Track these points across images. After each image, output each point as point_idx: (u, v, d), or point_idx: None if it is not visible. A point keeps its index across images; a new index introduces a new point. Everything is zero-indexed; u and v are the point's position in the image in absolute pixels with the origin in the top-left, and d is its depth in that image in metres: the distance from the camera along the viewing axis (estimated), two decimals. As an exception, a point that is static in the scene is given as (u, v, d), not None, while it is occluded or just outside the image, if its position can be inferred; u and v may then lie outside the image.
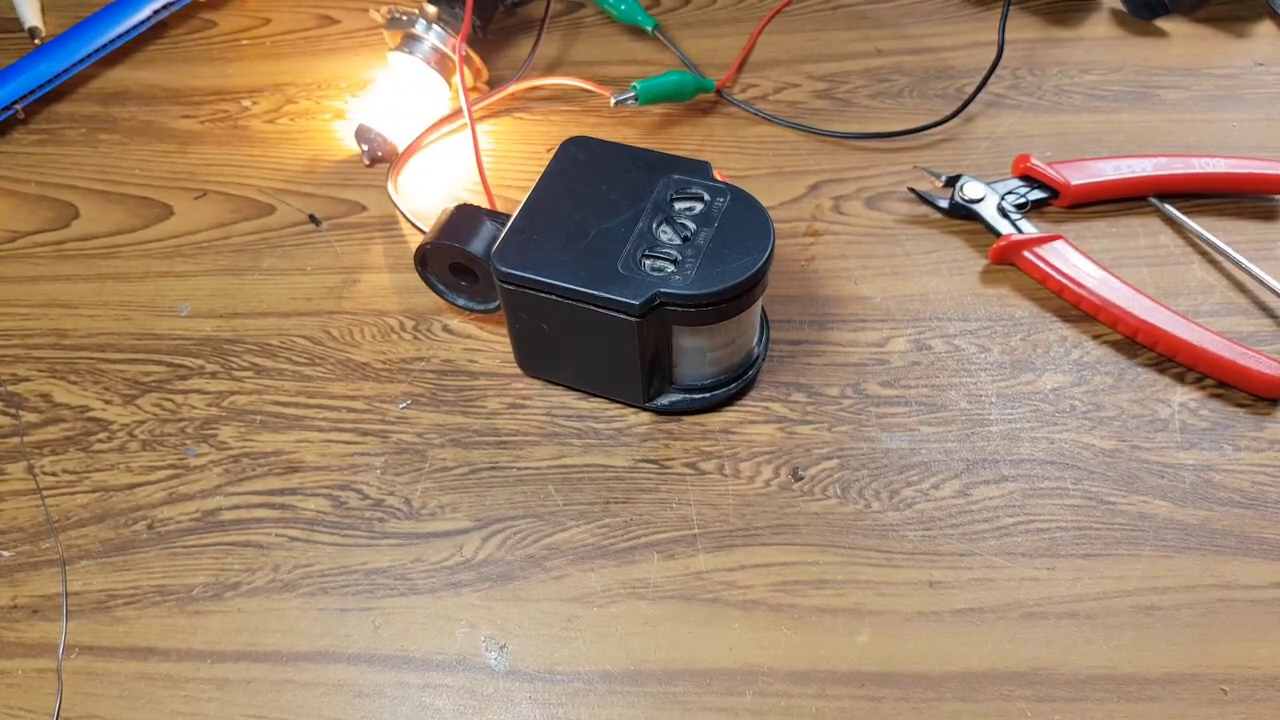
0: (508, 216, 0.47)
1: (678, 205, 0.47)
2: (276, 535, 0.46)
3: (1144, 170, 0.56)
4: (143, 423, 0.50)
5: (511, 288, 0.45)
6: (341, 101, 0.64)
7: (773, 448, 0.48)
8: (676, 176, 0.48)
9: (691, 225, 0.46)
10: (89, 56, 0.65)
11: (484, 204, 0.53)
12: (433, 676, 0.42)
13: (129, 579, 0.45)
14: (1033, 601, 0.43)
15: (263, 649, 0.43)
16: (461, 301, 0.52)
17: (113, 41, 0.65)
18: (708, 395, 0.49)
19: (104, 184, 0.61)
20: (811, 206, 0.57)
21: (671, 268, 0.44)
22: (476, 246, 0.48)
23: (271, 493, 0.48)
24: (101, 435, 0.50)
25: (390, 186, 0.57)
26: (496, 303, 0.50)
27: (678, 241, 0.45)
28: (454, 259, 0.49)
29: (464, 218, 0.49)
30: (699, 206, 0.47)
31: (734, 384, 0.49)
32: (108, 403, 0.51)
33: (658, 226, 0.46)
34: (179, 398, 0.51)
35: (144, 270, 0.56)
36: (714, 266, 0.44)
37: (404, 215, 0.56)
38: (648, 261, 0.45)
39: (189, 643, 0.43)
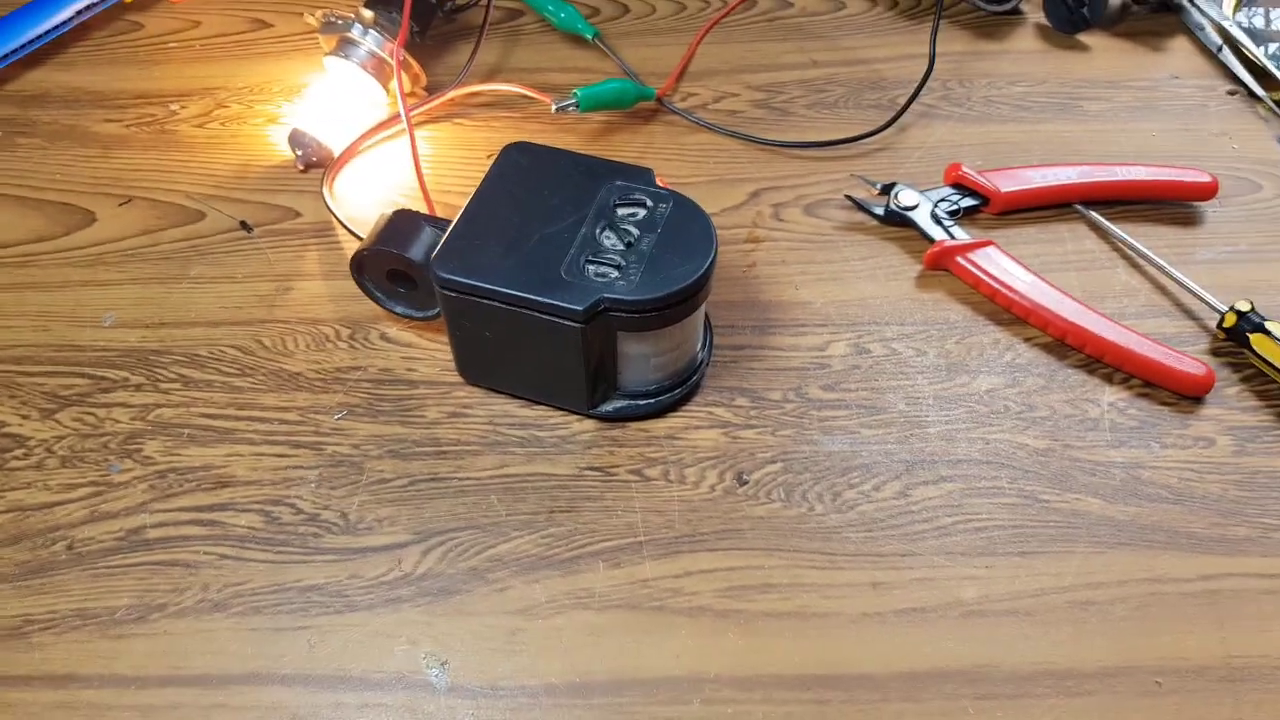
0: (448, 222, 0.47)
1: (621, 211, 0.47)
2: (205, 553, 0.45)
3: (1069, 178, 0.58)
4: (62, 438, 0.48)
5: (452, 294, 0.45)
6: (275, 106, 0.63)
7: (717, 452, 0.48)
8: (619, 182, 0.48)
9: (635, 231, 0.46)
10: (6, 57, 0.62)
11: (423, 210, 0.52)
12: (371, 696, 0.41)
13: (46, 603, 0.43)
14: (973, 600, 0.44)
15: (191, 673, 0.41)
16: (400, 309, 0.51)
17: (32, 42, 0.63)
18: (652, 401, 0.49)
19: (22, 189, 0.59)
20: (752, 214, 0.58)
21: (615, 273, 0.44)
22: (415, 252, 0.47)
23: (200, 509, 0.46)
24: (18, 452, 0.48)
25: (326, 192, 0.56)
26: (436, 310, 0.49)
27: (621, 247, 0.45)
28: (392, 265, 0.48)
29: (402, 223, 0.48)
30: (642, 212, 0.47)
31: (678, 389, 0.49)
32: (25, 417, 0.49)
33: (601, 232, 0.46)
34: (101, 411, 0.49)
35: (64, 279, 0.54)
36: (658, 272, 0.44)
37: (340, 221, 0.55)
38: (591, 267, 0.44)
39: (111, 668, 0.42)
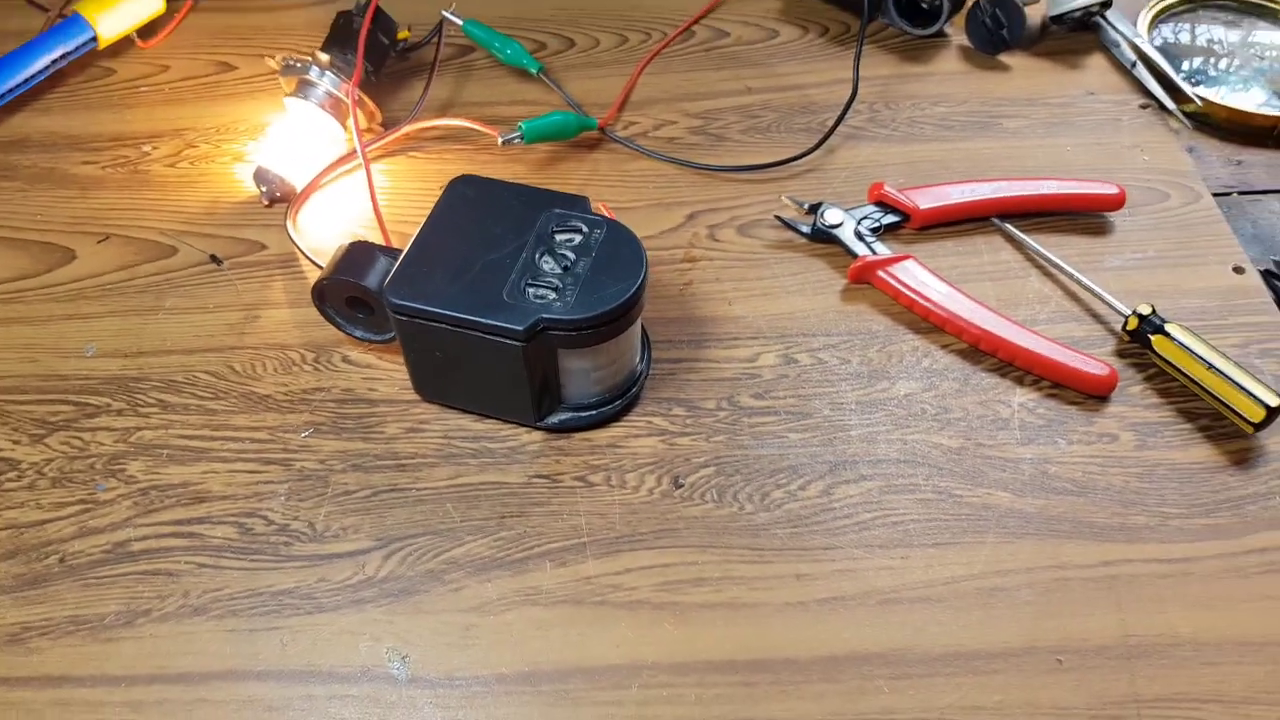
0: (400, 251, 0.51)
1: (558, 237, 0.51)
2: (186, 562, 0.49)
3: (986, 193, 0.62)
4: (51, 460, 0.52)
5: (404, 318, 0.49)
6: (240, 145, 0.67)
7: (655, 459, 0.52)
8: (557, 210, 0.52)
9: (571, 255, 0.50)
10: (-13, 106, 0.66)
11: (379, 240, 0.56)
12: (339, 688, 0.45)
13: (42, 611, 0.47)
14: (889, 588, 0.48)
15: (175, 671, 0.45)
16: (359, 333, 0.55)
17: (11, 91, 0.67)
18: (594, 412, 0.53)
19: (5, 230, 0.62)
20: (689, 235, 0.62)
21: (553, 295, 0.48)
22: (371, 280, 0.51)
23: (180, 522, 0.50)
24: (11, 474, 0.51)
25: (289, 225, 0.60)
26: (392, 333, 0.53)
27: (559, 271, 0.49)
28: (350, 293, 0.52)
29: (358, 254, 0.52)
30: (578, 238, 0.51)
31: (619, 401, 0.53)
32: (16, 443, 0.53)
33: (540, 257, 0.50)
34: (87, 435, 0.53)
35: (48, 314, 0.58)
36: (592, 293, 0.48)
37: (303, 252, 0.59)
38: (531, 290, 0.48)
39: (103, 669, 0.45)
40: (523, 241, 0.50)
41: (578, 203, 0.52)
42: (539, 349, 0.49)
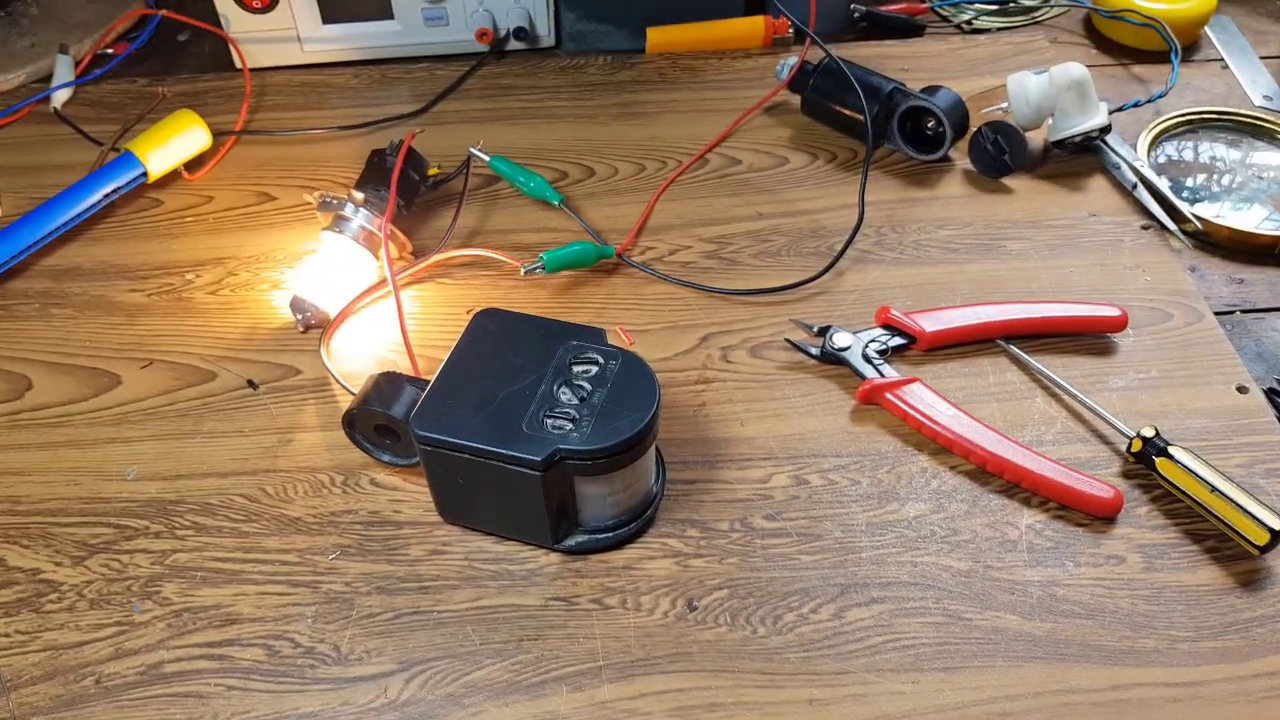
0: (426, 381, 0.53)
1: (575, 369, 0.53)
2: (215, 684, 0.50)
3: (991, 316, 0.64)
4: (91, 582, 0.54)
5: (429, 448, 0.51)
6: (278, 273, 0.70)
7: (670, 580, 0.54)
8: (574, 342, 0.54)
9: (588, 386, 0.52)
10: (44, 238, 0.70)
11: (407, 365, 0.59)
12: (361, 812, 0.46)
13: (76, 734, 0.49)
14: (900, 714, 0.49)
15: (202, 794, 0.47)
16: (387, 458, 0.57)
17: (66, 223, 0.71)
18: (610, 535, 0.55)
19: (56, 356, 0.66)
20: (703, 356, 0.64)
21: (570, 425, 0.50)
22: (398, 411, 0.54)
23: (211, 644, 0.52)
24: (52, 596, 0.54)
25: (323, 351, 0.63)
26: (418, 458, 0.56)
27: (575, 401, 0.52)
28: (378, 421, 0.55)
29: (386, 384, 0.55)
30: (594, 369, 0.53)
31: (634, 523, 0.55)
32: (58, 565, 0.55)
33: (558, 388, 0.52)
34: (125, 557, 0.55)
35: (94, 437, 0.61)
36: (607, 423, 0.50)
37: (335, 378, 0.62)
38: (549, 421, 0.51)
39: (133, 791, 0.47)
40: (541, 373, 0.53)
41: (595, 334, 0.55)
42: (556, 477, 0.51)
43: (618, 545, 0.55)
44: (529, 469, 0.50)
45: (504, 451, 0.50)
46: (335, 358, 0.65)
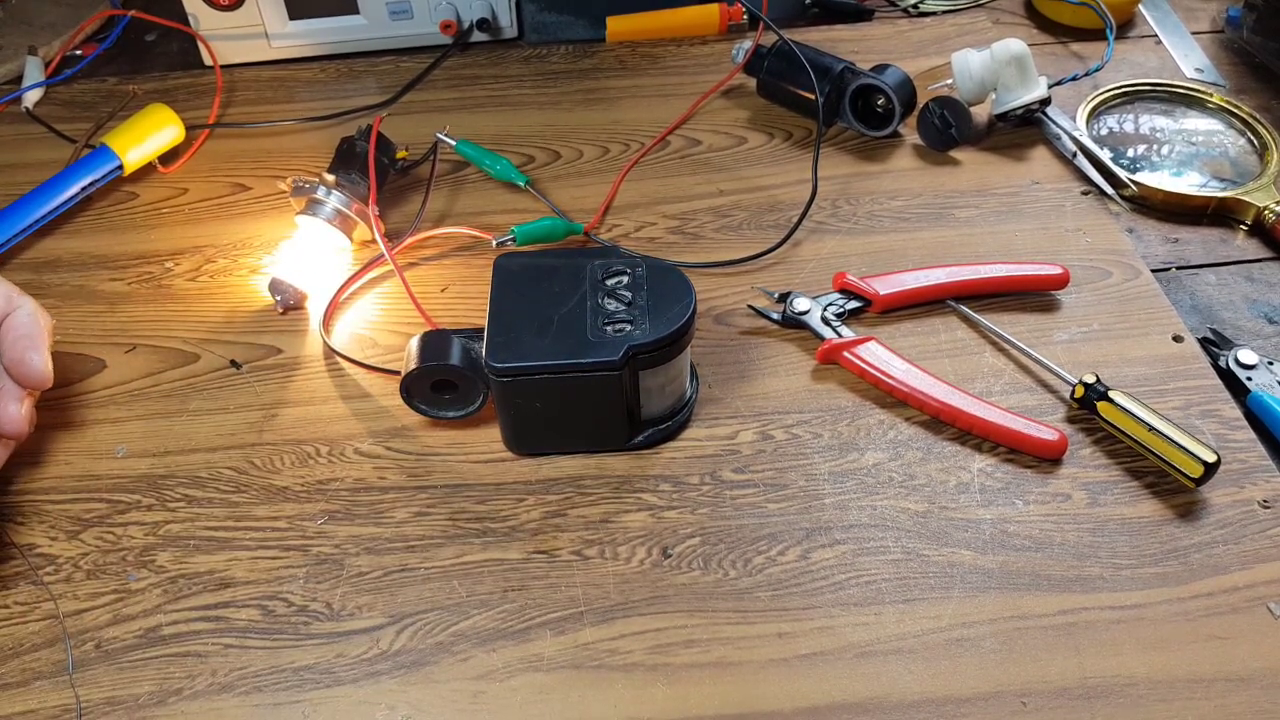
0: (469, 330, 0.57)
1: (609, 282, 0.58)
2: (213, 644, 0.52)
3: (941, 278, 0.68)
4: (86, 554, 0.56)
5: (507, 379, 0.55)
6: (255, 259, 0.72)
7: (645, 531, 0.56)
8: (597, 261, 0.59)
9: (628, 293, 0.57)
10: (23, 231, 0.72)
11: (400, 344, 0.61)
12: (358, 755, 0.49)
13: (81, 694, 0.51)
14: (864, 643, 0.52)
15: (205, 745, 0.49)
16: (451, 413, 0.60)
17: (44, 217, 0.73)
18: (670, 423, 0.60)
19: (40, 344, 0.67)
20: (670, 325, 0.67)
21: (629, 325, 0.55)
22: (456, 359, 0.56)
23: (207, 607, 0.54)
24: (49, 569, 0.56)
25: (322, 332, 0.66)
26: (477, 404, 0.59)
27: (623, 307, 0.56)
28: (437, 377, 0.58)
29: (435, 340, 0.58)
30: (625, 278, 0.58)
31: (683, 410, 0.60)
32: (53, 539, 0.57)
33: (603, 299, 0.57)
34: (119, 530, 0.57)
35: (82, 419, 0.63)
36: (660, 315, 0.56)
37: (335, 351, 0.65)
38: (609, 327, 0.55)
39: (137, 746, 0.49)
40: (581, 291, 0.57)
41: (610, 251, 0.61)
42: (625, 376, 0.55)
43: (678, 431, 0.60)
44: (609, 370, 0.54)
45: (585, 361, 0.54)
46: (329, 336, 0.67)
